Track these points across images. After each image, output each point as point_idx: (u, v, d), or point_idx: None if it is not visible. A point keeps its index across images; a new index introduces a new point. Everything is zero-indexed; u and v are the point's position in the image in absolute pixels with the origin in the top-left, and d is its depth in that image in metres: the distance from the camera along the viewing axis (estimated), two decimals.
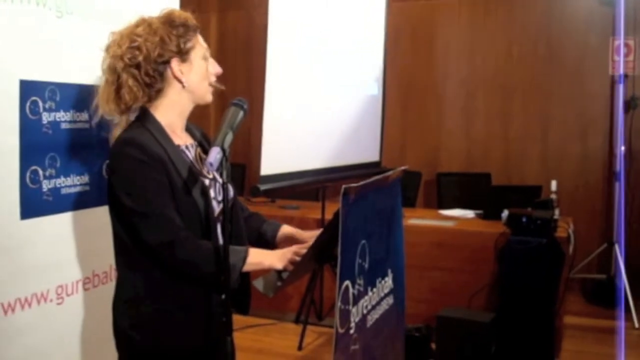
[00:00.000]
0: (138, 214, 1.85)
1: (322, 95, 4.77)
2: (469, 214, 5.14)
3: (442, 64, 6.45)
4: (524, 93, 6.22)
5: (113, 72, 1.93)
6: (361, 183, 1.91)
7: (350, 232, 1.91)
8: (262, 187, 4.10)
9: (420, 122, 6.53)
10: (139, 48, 1.91)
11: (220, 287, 1.90)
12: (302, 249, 1.98)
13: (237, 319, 4.96)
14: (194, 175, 1.95)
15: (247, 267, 1.93)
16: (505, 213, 4.36)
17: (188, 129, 2.11)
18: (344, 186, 1.80)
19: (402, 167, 2.48)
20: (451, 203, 5.63)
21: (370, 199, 2.09)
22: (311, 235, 2.13)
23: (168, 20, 1.97)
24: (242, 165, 6.28)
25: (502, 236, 4.37)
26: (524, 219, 4.22)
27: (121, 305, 1.99)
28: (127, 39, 1.92)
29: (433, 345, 4.13)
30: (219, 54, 6.93)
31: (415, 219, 4.91)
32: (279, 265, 1.96)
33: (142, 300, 1.93)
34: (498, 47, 6.27)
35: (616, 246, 5.55)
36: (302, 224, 3.88)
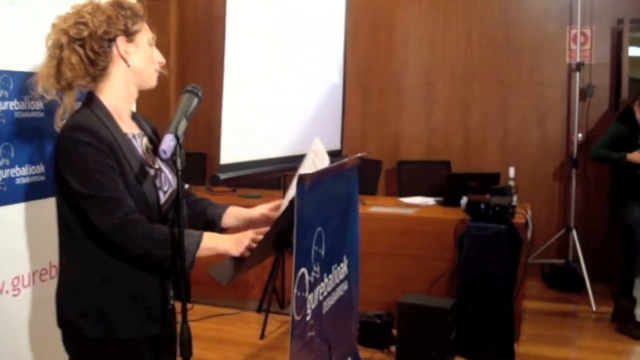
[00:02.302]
0: (88, 197, 1.83)
1: (283, 83, 4.75)
2: (430, 201, 5.19)
3: (402, 53, 6.47)
4: (483, 81, 6.27)
5: (56, 47, 1.91)
6: (316, 170, 1.92)
7: (306, 220, 1.91)
8: (222, 176, 4.08)
9: (380, 110, 6.55)
10: (85, 23, 1.89)
11: (174, 272, 1.89)
12: (259, 234, 1.98)
13: (199, 309, 4.99)
14: (142, 166, 1.94)
15: (200, 252, 1.91)
16: (464, 200, 4.40)
17: (135, 119, 2.09)
18: (298, 174, 1.81)
19: (359, 155, 2.48)
20: (412, 191, 5.67)
21: (326, 186, 2.10)
22: (260, 211, 2.15)
23: (117, 3, 1.97)
24: (203, 154, 6.25)
25: (461, 223, 4.41)
26: (482, 206, 4.26)
27: (67, 294, 1.96)
28: (74, 15, 1.92)
29: (394, 332, 4.16)
30: (180, 44, 6.87)
31: (377, 207, 4.94)
32: (234, 251, 1.95)
33: (89, 288, 1.91)
34: (457, 36, 6.31)
35: (574, 231, 5.65)
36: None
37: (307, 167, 2.11)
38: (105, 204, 1.83)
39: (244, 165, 4.32)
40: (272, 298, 4.70)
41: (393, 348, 4.12)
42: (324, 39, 5.32)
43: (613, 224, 5.45)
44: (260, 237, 1.97)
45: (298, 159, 4.99)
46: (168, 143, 1.81)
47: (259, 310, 4.88)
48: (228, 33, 4.13)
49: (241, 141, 4.31)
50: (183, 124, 1.88)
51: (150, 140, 2.09)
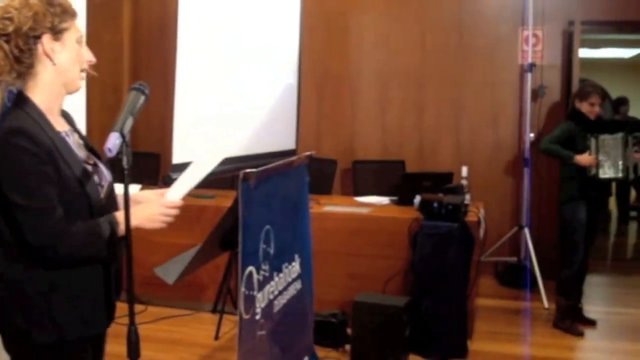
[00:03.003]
0: (23, 207, 1.79)
1: (237, 83, 4.72)
2: (384, 200, 5.21)
3: (357, 54, 6.49)
4: (437, 82, 6.33)
5: None
6: (261, 168, 1.90)
7: (252, 218, 1.90)
8: (175, 176, 4.03)
9: (336, 111, 6.56)
10: (11, 19, 1.85)
11: (114, 268, 1.88)
12: (170, 206, 1.95)
13: (153, 311, 4.93)
14: (80, 165, 1.91)
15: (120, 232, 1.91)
16: (417, 199, 4.43)
17: (64, 115, 2.05)
18: (242, 171, 1.79)
19: (308, 153, 2.48)
20: (367, 190, 5.70)
21: (273, 184, 2.09)
22: (146, 196, 2.11)
23: (47, 0, 1.92)
24: (157, 154, 6.17)
25: (415, 221, 4.44)
26: (435, 205, 4.30)
27: (11, 298, 1.90)
28: (0, 10, 1.87)
29: (349, 331, 4.17)
30: (133, 42, 6.78)
31: (332, 206, 4.94)
32: (148, 225, 1.94)
33: (34, 291, 1.87)
34: (412, 38, 6.35)
35: (526, 229, 5.74)
36: (218, 214, 3.84)
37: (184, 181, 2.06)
38: (38, 217, 1.80)
39: None
40: (227, 298, 4.66)
41: (348, 347, 4.13)
42: (278, 39, 5.32)
43: None
44: (173, 212, 1.95)
45: (253, 159, 4.99)
46: (113, 141, 1.78)
47: (213, 311, 4.85)
48: (180, 32, 4.09)
49: (194, 141, 4.28)
50: (129, 122, 1.86)
51: (80, 136, 2.05)
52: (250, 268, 1.91)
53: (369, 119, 6.49)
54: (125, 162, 1.83)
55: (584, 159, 4.58)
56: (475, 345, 4.39)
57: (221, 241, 2.01)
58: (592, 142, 4.61)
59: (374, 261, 4.61)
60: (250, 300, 1.94)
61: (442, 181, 4.80)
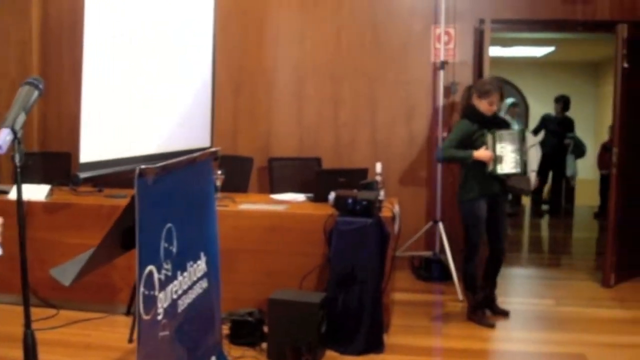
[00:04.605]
0: None
1: (148, 79, 4.63)
2: (300, 197, 5.21)
3: (273, 50, 6.46)
4: (352, 79, 6.37)
5: None
6: (160, 164, 1.86)
7: (151, 215, 1.86)
8: (83, 175, 3.93)
9: (252, 107, 6.51)
10: None
11: None
12: None
13: (64, 315, 4.78)
14: None
15: None
16: (332, 195, 4.45)
17: None
18: (138, 167, 1.75)
19: (212, 149, 2.45)
20: (283, 188, 5.68)
21: (175, 181, 2.05)
22: None
23: None
24: (68, 154, 5.98)
25: (330, 218, 4.45)
26: (349, 201, 4.32)
27: None
28: None
29: (266, 329, 4.14)
30: (42, 38, 6.55)
31: (247, 204, 4.90)
32: None
33: None
34: (327, 34, 6.37)
35: (440, 224, 5.84)
36: None
37: None
38: None
39: (106, 163, 4.18)
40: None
41: (265, 345, 4.11)
42: (192, 35, 5.24)
43: None
44: None
45: (167, 157, 4.89)
46: (4, 138, 1.71)
47: (127, 313, 4.73)
48: (87, 27, 3.98)
49: (104, 139, 4.17)
50: (21, 118, 1.79)
51: None
52: (150, 267, 1.87)
53: (285, 116, 6.48)
54: (17, 159, 1.76)
55: (482, 154, 4.66)
56: (391, 339, 4.43)
57: (122, 240, 1.95)
58: (489, 138, 4.68)
59: (290, 258, 4.60)
60: (150, 301, 1.89)
61: (357, 177, 4.84)
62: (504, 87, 4.92)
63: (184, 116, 5.05)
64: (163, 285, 1.97)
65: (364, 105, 6.38)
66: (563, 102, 9.87)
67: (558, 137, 9.63)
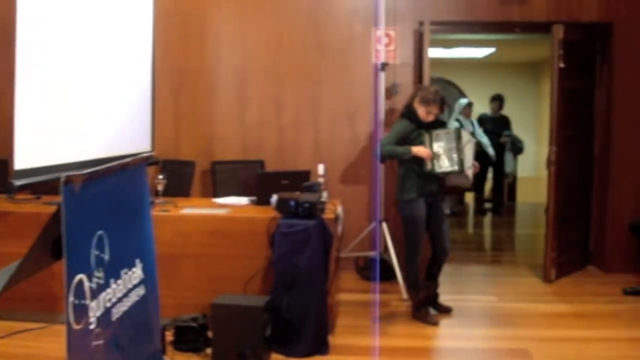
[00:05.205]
0: None
1: (85, 83, 4.53)
2: (243, 200, 5.19)
3: (214, 52, 6.41)
4: (295, 81, 6.37)
5: None
6: (88, 171, 1.82)
7: (79, 223, 1.82)
8: (18, 183, 3.81)
9: (193, 111, 6.45)
10: None
11: None
12: None
13: (3, 325, 4.66)
14: None
15: None
16: (274, 198, 4.45)
17: None
18: (64, 174, 1.71)
19: (145, 154, 2.42)
20: (227, 191, 5.65)
21: (105, 187, 2.01)
22: None
23: None
24: (4, 160, 5.83)
25: (273, 221, 4.45)
26: (291, 203, 4.33)
27: None
28: None
29: (210, 334, 4.11)
30: None
31: (189, 209, 4.86)
32: None
33: None
34: (268, 36, 6.35)
35: (384, 224, 5.88)
36: None
37: None
38: None
39: (43, 170, 4.06)
40: None
41: (210, 350, 4.08)
42: (130, 38, 5.15)
43: None
44: None
45: (106, 162, 4.79)
46: None
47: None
48: (19, 30, 3.87)
49: (40, 145, 4.06)
50: None
51: None
52: (80, 276, 1.83)
53: (228, 119, 6.43)
54: None
55: (420, 150, 4.73)
56: (337, 340, 4.45)
57: (53, 249, 1.91)
58: (426, 137, 4.77)
59: (234, 262, 4.57)
60: (81, 310, 1.86)
61: (300, 179, 4.85)
62: (446, 101, 5.02)
63: (123, 120, 4.96)
64: (95, 293, 1.94)
65: (307, 106, 6.38)
66: (499, 101, 10.09)
67: (495, 135, 9.82)
